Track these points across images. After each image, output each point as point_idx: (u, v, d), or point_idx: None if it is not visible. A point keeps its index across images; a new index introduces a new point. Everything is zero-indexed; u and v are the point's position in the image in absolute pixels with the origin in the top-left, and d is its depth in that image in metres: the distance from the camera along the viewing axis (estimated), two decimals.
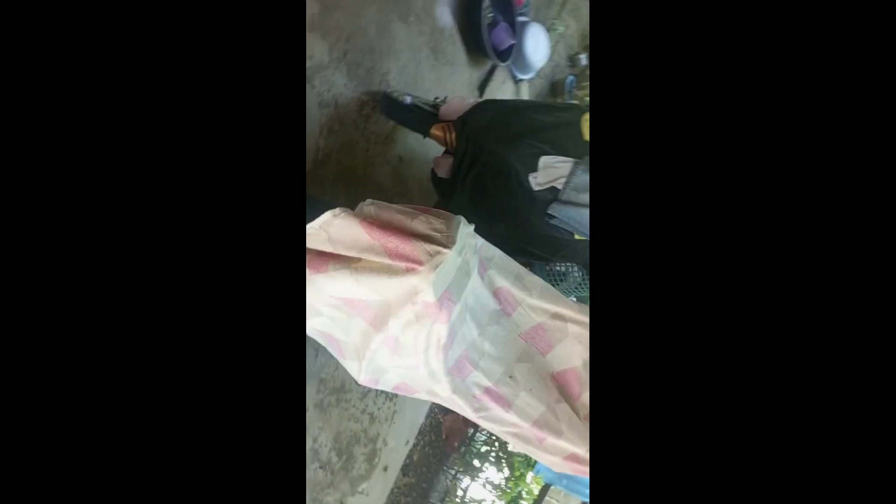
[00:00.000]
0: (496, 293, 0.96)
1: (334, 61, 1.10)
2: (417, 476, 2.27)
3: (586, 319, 0.96)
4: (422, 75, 1.41)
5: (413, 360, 0.84)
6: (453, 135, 1.09)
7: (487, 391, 0.88)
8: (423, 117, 1.09)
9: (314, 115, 1.07)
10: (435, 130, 1.08)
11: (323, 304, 0.79)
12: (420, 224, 0.70)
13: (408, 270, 0.66)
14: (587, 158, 1.04)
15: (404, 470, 2.03)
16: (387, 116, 1.17)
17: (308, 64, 1.02)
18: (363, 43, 1.16)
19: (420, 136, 1.18)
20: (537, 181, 1.09)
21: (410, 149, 1.42)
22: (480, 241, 0.89)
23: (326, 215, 0.73)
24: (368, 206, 0.79)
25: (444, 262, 0.66)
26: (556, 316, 1.00)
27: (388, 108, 1.14)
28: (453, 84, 1.57)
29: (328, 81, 1.09)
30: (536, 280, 1.01)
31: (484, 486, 2.73)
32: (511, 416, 0.87)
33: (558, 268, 1.43)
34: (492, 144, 1.09)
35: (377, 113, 1.24)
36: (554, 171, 1.08)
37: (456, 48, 1.54)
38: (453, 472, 2.56)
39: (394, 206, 0.77)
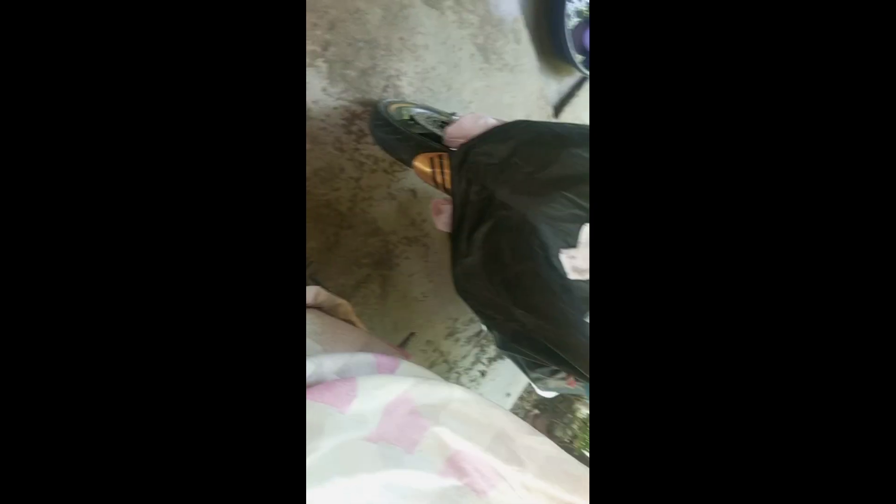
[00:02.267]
0: (451, 461, 0.53)
1: (308, 55, 0.78)
2: None
3: None
4: (460, 82, 1.03)
5: None
6: (447, 172, 0.69)
7: None
8: (410, 140, 0.71)
9: None
10: (420, 163, 0.69)
11: None
12: None
13: None
14: None
15: None
16: (371, 135, 0.82)
17: None
18: (358, 32, 0.82)
19: None
20: (575, 264, 0.63)
21: None
22: (399, 385, 0.47)
23: None
24: None
25: None
26: None
27: (371, 123, 0.79)
28: (512, 97, 1.15)
29: None
30: (540, 447, 0.56)
31: None
32: None
33: None
34: (506, 193, 0.67)
35: None
36: None
37: (521, 48, 1.13)
38: None
39: None
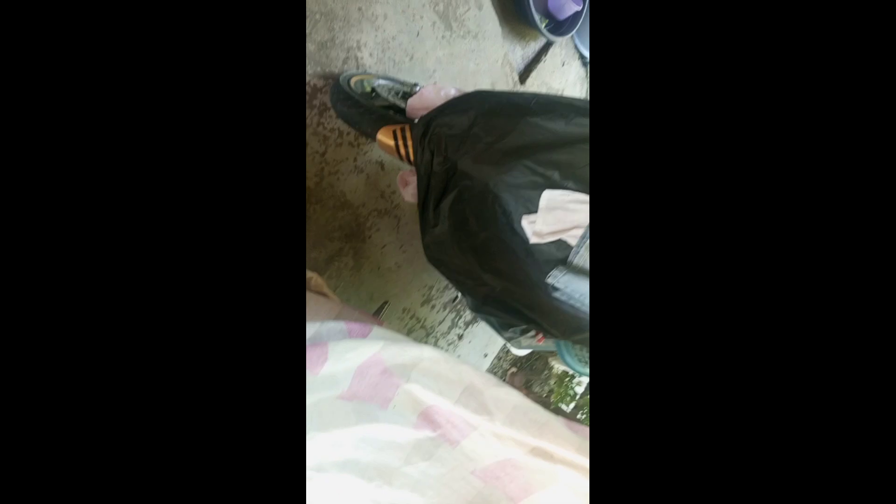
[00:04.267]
0: (424, 415, 0.58)
1: None
2: None
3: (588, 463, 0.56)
4: (423, 51, 1.02)
5: None
6: (410, 144, 0.70)
7: None
8: (371, 113, 0.72)
9: None
10: (382, 136, 0.70)
11: None
12: None
13: None
14: None
15: None
16: (333, 109, 0.82)
17: None
18: (313, 4, 0.81)
19: None
20: (536, 229, 0.67)
21: None
22: (370, 347, 0.51)
23: None
24: None
25: None
26: (538, 452, 0.59)
27: (332, 97, 0.79)
28: (477, 64, 1.15)
29: None
30: (507, 397, 0.61)
31: None
32: None
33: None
34: (468, 163, 0.69)
35: None
36: (564, 215, 0.65)
37: (483, 14, 1.12)
38: None
39: None
